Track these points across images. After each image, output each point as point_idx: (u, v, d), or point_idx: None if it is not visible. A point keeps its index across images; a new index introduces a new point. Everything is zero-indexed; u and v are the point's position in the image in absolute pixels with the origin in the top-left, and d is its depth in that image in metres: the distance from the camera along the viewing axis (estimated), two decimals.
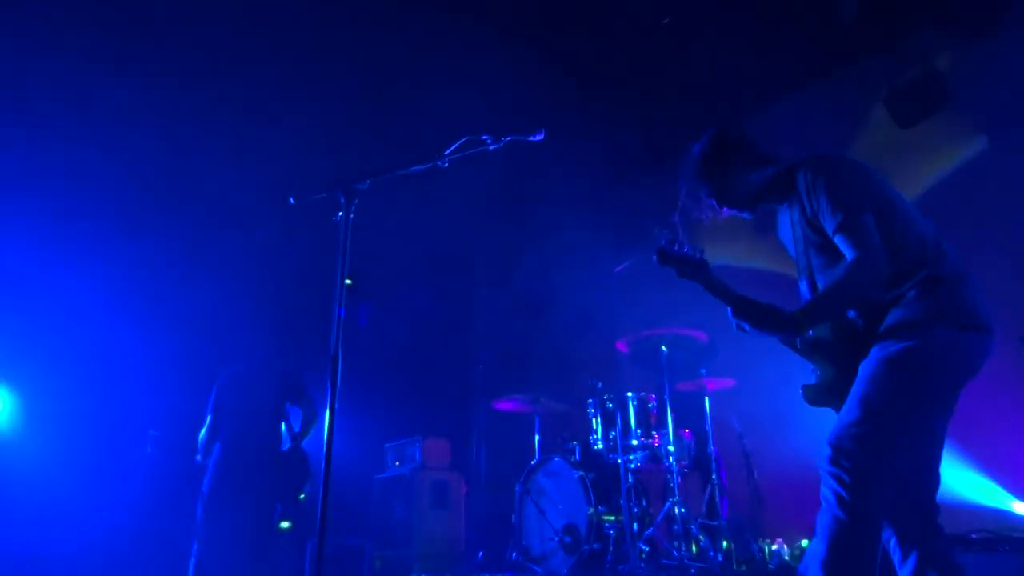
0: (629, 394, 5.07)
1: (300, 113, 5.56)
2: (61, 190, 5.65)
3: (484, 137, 2.81)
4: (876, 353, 2.16)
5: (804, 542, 4.55)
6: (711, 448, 4.93)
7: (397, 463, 6.34)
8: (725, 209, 2.63)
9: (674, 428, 4.88)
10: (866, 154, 4.94)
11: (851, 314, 2.33)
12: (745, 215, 2.65)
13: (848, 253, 2.19)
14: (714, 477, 4.84)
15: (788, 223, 2.53)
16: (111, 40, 4.90)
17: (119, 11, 4.69)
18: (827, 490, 2.03)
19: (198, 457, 4.79)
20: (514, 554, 4.96)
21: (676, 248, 2.54)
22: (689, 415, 5.11)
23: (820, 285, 2.41)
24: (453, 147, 2.78)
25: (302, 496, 5.04)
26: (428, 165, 2.77)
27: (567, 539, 4.68)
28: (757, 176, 2.55)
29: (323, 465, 2.39)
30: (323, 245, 3.10)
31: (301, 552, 5.50)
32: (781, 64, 5.25)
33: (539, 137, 2.83)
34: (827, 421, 2.23)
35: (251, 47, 5.06)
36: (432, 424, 6.71)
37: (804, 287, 2.48)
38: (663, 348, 5.04)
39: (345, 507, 5.93)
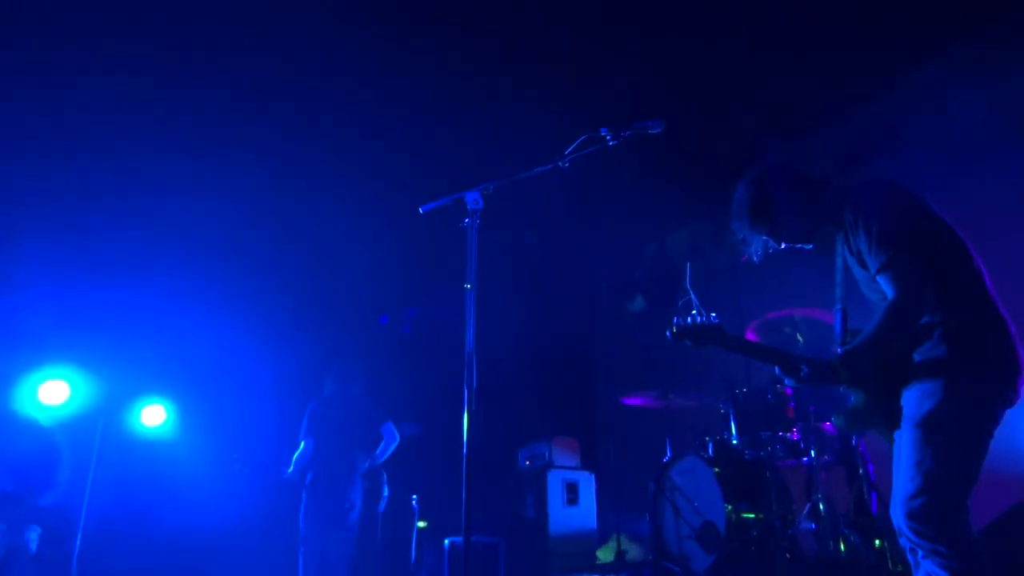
0: (763, 386, 4.88)
1: (420, 125, 5.73)
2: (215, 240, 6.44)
3: (603, 132, 2.79)
4: (910, 408, 2.21)
5: None
6: (855, 440, 4.65)
7: (528, 462, 6.41)
8: (784, 244, 2.62)
9: (814, 421, 4.64)
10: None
11: None
12: (807, 247, 2.64)
13: (890, 293, 2.20)
14: (861, 472, 4.56)
15: (839, 250, 2.52)
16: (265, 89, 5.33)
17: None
18: (932, 566, 2.09)
19: (290, 470, 5.29)
20: (651, 553, 4.89)
21: (688, 320, 2.56)
22: (830, 407, 4.84)
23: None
24: (573, 146, 2.78)
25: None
26: (549, 166, 2.79)
27: (706, 537, 4.56)
28: (809, 207, 2.53)
29: (463, 464, 2.46)
30: (451, 254, 3.19)
31: (439, 549, 5.70)
32: (919, 28, 4.85)
33: (658, 129, 2.79)
34: None
35: (362, 71, 5.29)
36: (561, 422, 6.72)
37: (837, 317, 2.58)
38: (799, 337, 4.80)
39: (478, 505, 6.11)
